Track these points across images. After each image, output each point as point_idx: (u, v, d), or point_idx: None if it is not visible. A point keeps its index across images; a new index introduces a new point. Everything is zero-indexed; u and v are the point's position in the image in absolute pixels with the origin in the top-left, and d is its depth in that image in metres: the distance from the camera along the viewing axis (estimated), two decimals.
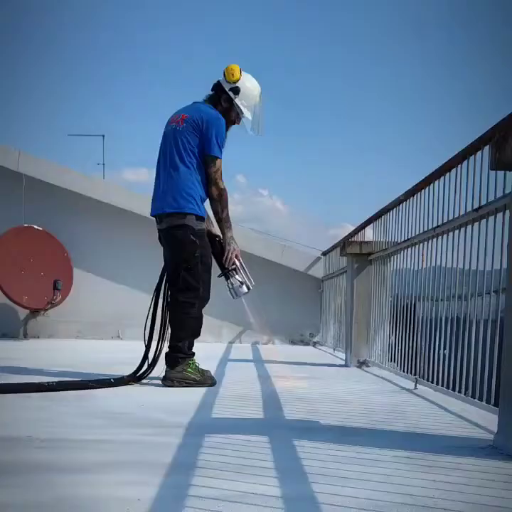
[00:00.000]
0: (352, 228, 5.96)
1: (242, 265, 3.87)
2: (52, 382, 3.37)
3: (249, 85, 3.85)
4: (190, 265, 3.68)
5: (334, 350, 6.82)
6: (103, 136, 11.72)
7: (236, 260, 3.84)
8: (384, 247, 4.73)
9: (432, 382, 3.52)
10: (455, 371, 3.19)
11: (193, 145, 3.68)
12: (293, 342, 8.19)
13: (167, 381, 3.63)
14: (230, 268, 3.82)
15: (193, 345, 3.79)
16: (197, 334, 3.81)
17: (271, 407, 3.05)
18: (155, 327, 3.83)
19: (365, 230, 5.47)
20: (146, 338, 3.77)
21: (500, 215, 2.65)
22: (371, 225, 5.18)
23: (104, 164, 11.90)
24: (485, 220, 2.84)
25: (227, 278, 3.85)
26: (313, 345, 8.03)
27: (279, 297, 8.10)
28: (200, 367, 3.77)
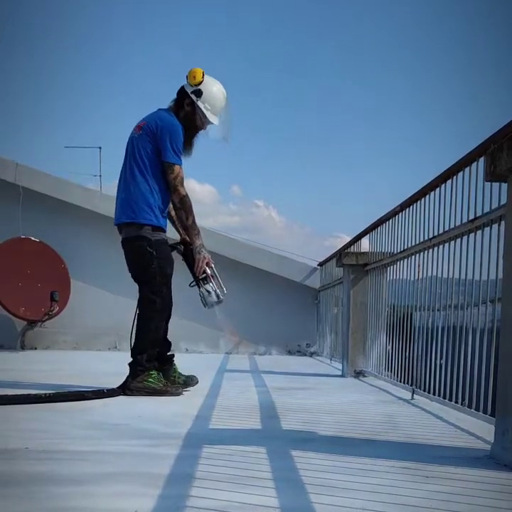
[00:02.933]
0: (348, 239, 5.99)
1: (213, 274, 3.81)
2: (49, 393, 3.37)
3: (213, 89, 3.77)
4: (147, 278, 3.68)
5: (331, 360, 6.82)
6: (100, 147, 11.74)
7: (207, 269, 3.78)
8: (380, 258, 4.75)
9: (429, 392, 3.53)
10: (452, 381, 3.20)
11: (150, 152, 3.64)
12: (290, 352, 8.19)
13: (127, 391, 3.64)
14: (200, 277, 3.77)
15: (153, 356, 3.76)
16: (157, 346, 3.78)
17: (268, 417, 3.05)
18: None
19: (361, 240, 5.49)
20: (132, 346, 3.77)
21: (495, 226, 2.67)
22: (367, 235, 5.20)
23: (100, 176, 11.91)
24: (480, 230, 2.86)
25: (199, 287, 3.81)
26: (310, 356, 8.03)
27: (276, 308, 8.11)
28: (182, 374, 3.85)
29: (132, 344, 3.76)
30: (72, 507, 1.58)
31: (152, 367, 3.74)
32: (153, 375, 3.70)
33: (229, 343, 8.07)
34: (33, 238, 7.71)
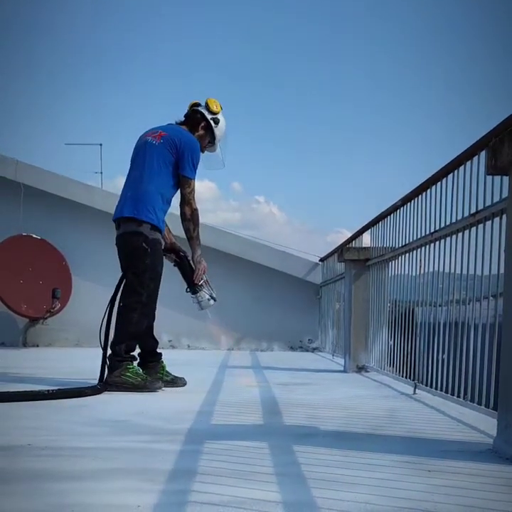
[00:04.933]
0: (349, 234, 5.98)
1: (207, 280, 4.05)
2: (51, 390, 3.37)
3: (223, 121, 4.08)
4: (137, 271, 3.76)
5: (333, 355, 6.82)
6: (100, 144, 11.70)
7: (204, 276, 4.01)
8: (382, 253, 4.74)
9: (431, 387, 3.53)
10: (454, 376, 3.20)
11: (167, 162, 3.82)
12: (292, 348, 8.19)
13: (106, 385, 3.64)
14: (199, 284, 3.98)
15: (132, 349, 3.79)
16: (136, 339, 3.82)
17: (270, 413, 3.05)
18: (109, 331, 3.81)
19: (362, 235, 5.48)
20: (102, 342, 3.75)
21: (497, 220, 2.66)
22: (369, 230, 5.19)
23: (101, 173, 11.88)
24: (482, 224, 2.85)
25: (194, 293, 4.01)
26: (313, 351, 8.03)
27: (278, 303, 8.11)
28: (170, 373, 3.89)
29: (102, 341, 3.73)
30: (75, 503, 1.58)
31: (130, 359, 3.74)
32: (131, 369, 3.70)
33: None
34: (34, 235, 7.72)
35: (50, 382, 3.89)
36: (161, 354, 4.00)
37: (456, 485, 1.80)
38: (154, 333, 3.98)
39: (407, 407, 3.33)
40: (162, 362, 3.98)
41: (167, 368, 3.99)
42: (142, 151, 3.88)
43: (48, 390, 3.36)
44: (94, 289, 7.93)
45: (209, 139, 4.06)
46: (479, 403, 2.84)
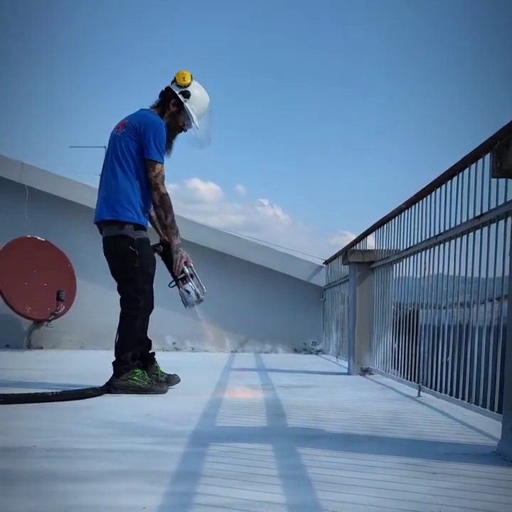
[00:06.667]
0: (354, 237, 5.98)
1: (193, 273, 3.78)
2: (56, 392, 3.39)
3: (198, 92, 3.81)
4: (129, 277, 3.65)
5: (337, 358, 6.82)
6: (105, 147, 11.74)
7: (185, 268, 3.75)
8: (386, 256, 4.74)
9: (435, 389, 3.52)
10: (458, 378, 3.19)
11: (132, 150, 3.64)
12: (296, 350, 8.19)
13: (112, 389, 3.61)
14: (178, 277, 3.75)
15: (137, 355, 3.75)
16: (141, 344, 3.78)
17: (274, 415, 3.05)
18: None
19: (367, 238, 5.49)
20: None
21: (501, 223, 2.66)
22: (373, 233, 5.19)
23: None
24: (487, 227, 2.85)
25: (178, 287, 3.79)
26: (317, 354, 8.03)
27: (282, 306, 8.10)
28: (164, 372, 3.86)
29: (116, 342, 3.73)
30: (80, 505, 1.59)
31: (136, 365, 3.73)
32: (138, 373, 3.68)
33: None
34: (38, 238, 7.72)
35: (54, 384, 3.90)
36: (153, 353, 3.97)
37: (461, 487, 1.79)
38: (153, 334, 3.95)
39: (411, 410, 3.33)
40: (156, 362, 3.94)
41: (161, 369, 3.96)
42: (110, 145, 3.75)
43: (52, 392, 3.37)
44: (99, 291, 7.93)
45: (185, 115, 3.78)
46: (484, 406, 2.84)
